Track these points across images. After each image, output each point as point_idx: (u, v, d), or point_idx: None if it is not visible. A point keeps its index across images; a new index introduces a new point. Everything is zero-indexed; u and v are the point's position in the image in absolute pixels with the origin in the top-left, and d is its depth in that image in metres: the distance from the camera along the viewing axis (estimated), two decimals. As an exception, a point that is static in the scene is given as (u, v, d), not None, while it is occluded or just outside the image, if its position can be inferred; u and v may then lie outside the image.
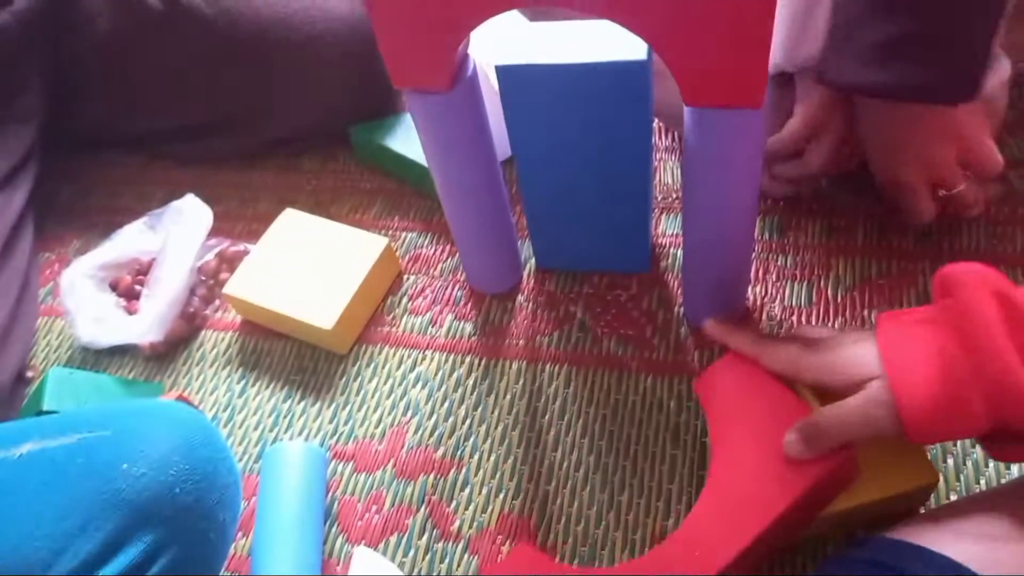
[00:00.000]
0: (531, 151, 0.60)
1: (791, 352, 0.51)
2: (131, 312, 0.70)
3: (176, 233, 0.70)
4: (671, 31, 0.44)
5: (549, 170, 0.61)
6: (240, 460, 0.64)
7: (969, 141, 0.58)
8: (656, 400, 0.61)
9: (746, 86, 0.45)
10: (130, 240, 0.73)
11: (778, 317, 0.64)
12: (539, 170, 0.61)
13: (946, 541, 0.41)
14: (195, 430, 0.47)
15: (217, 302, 0.74)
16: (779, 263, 0.67)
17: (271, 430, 0.65)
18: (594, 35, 0.53)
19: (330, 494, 0.61)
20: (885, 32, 0.54)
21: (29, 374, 0.71)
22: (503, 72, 0.54)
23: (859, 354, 0.46)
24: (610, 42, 0.52)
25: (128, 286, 0.72)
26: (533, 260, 0.71)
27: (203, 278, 0.73)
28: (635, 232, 0.65)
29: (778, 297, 0.65)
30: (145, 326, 0.67)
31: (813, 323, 0.63)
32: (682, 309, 0.66)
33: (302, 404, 0.66)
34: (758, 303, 0.65)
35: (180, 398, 0.64)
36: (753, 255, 0.66)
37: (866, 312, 0.62)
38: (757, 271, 0.66)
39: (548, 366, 0.65)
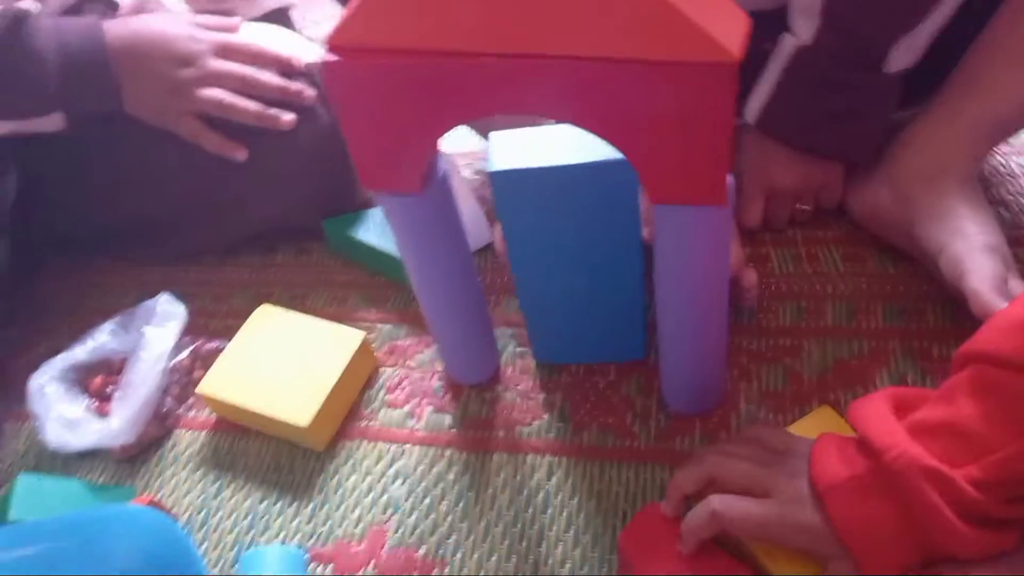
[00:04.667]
0: (526, 251, 0.60)
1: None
2: (102, 415, 0.68)
3: (149, 333, 0.70)
4: (632, 133, 0.45)
5: (544, 269, 0.61)
6: (215, 566, 0.62)
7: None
8: (639, 490, 0.61)
9: (708, 185, 0.46)
10: (101, 341, 0.72)
11: (755, 400, 0.64)
12: (534, 269, 0.61)
13: None
14: (162, 541, 0.46)
15: (191, 401, 0.72)
16: (752, 346, 0.68)
17: (247, 532, 0.63)
18: (580, 136, 0.54)
19: (309, 600, 0.59)
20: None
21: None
22: (497, 178, 0.55)
23: (803, 523, 0.47)
24: (596, 142, 0.53)
25: (99, 388, 0.71)
26: (510, 348, 0.71)
27: (176, 377, 0.72)
28: (631, 323, 0.66)
29: (753, 380, 0.65)
30: (117, 429, 0.66)
31: (788, 406, 0.63)
32: (661, 395, 0.66)
33: (279, 504, 0.65)
34: (733, 387, 0.65)
35: (151, 503, 0.63)
36: (727, 340, 0.67)
37: (840, 394, 0.63)
38: (730, 355, 0.67)
39: (529, 458, 0.64)
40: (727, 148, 0.45)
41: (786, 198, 0.73)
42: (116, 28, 0.74)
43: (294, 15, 1.05)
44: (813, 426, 0.59)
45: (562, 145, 0.54)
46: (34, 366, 0.71)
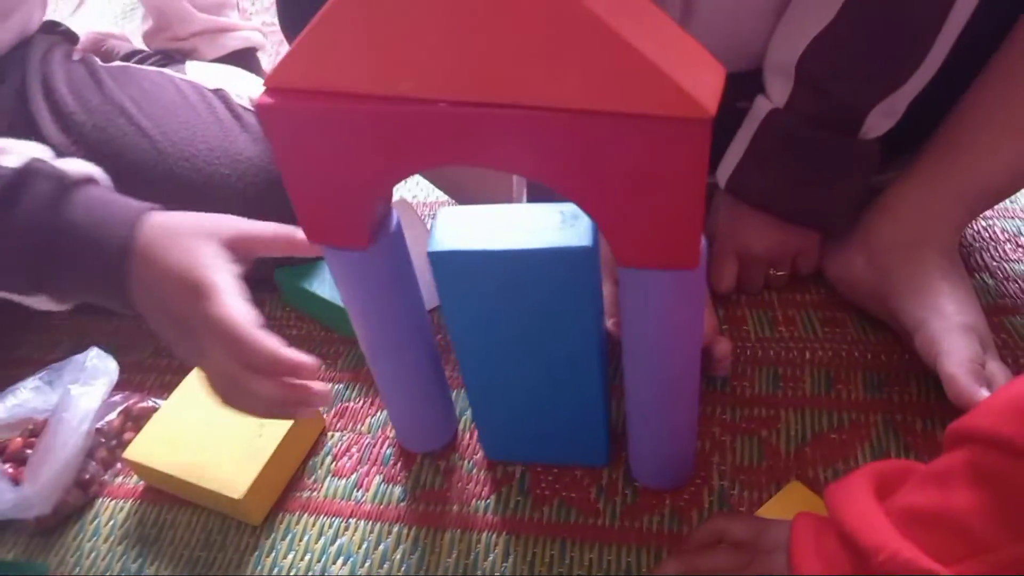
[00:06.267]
0: (471, 340, 0.54)
1: None
2: (17, 481, 0.62)
3: (74, 391, 0.64)
4: (598, 191, 0.41)
5: (492, 362, 0.55)
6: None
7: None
8: (602, 574, 0.56)
9: (679, 248, 0.42)
10: (23, 398, 0.66)
11: (729, 476, 0.60)
12: (480, 362, 0.56)
13: None
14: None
15: (119, 465, 0.66)
16: (725, 416, 0.64)
17: (170, 617, 0.57)
18: (535, 219, 0.49)
19: None
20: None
21: None
22: (436, 258, 0.49)
23: None
24: (552, 227, 0.48)
25: (18, 450, 0.64)
26: (470, 411, 0.66)
27: (103, 440, 0.66)
28: (591, 426, 0.59)
29: (727, 454, 0.61)
30: (30, 498, 0.60)
31: (763, 482, 0.59)
32: (628, 467, 0.61)
33: (207, 586, 0.59)
34: (705, 460, 0.61)
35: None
36: (698, 410, 0.63)
37: (819, 469, 0.59)
38: (702, 425, 0.63)
39: (484, 535, 0.59)
40: (699, 209, 0.41)
41: (760, 263, 0.70)
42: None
43: (261, 56, 1.02)
44: (784, 506, 0.55)
45: (517, 226, 0.48)
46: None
